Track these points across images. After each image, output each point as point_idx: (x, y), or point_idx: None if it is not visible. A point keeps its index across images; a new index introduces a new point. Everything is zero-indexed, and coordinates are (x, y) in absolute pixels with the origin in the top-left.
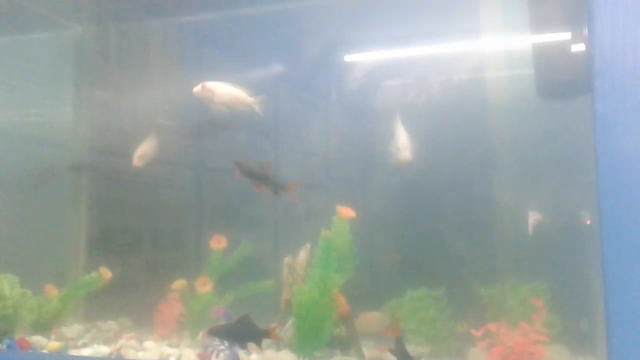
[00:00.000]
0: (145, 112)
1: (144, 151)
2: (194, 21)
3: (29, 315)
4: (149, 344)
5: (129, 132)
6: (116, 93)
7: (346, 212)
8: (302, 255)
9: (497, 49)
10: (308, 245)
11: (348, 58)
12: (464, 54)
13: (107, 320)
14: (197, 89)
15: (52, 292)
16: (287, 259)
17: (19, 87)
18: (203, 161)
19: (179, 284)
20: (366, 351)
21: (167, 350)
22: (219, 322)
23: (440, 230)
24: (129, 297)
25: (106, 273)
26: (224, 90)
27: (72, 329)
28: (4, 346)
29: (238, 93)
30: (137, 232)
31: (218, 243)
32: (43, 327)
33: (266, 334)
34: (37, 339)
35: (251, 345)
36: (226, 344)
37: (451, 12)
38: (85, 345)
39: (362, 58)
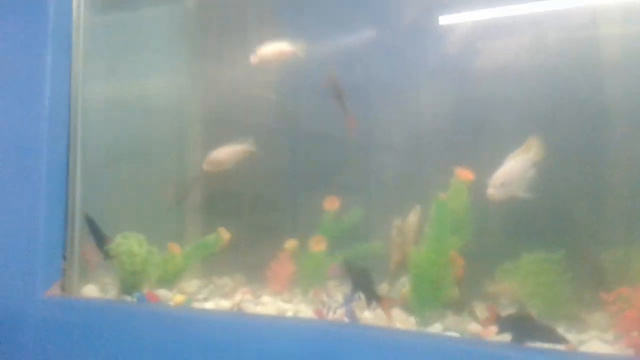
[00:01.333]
0: (248, 83)
1: (215, 157)
2: None
3: (155, 271)
4: (265, 299)
5: (234, 101)
6: (222, 64)
7: (464, 174)
8: (412, 217)
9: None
10: (418, 208)
11: (445, 20)
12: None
13: (222, 276)
14: (252, 58)
15: (175, 250)
16: (396, 222)
17: (134, 61)
18: (299, 128)
19: (291, 243)
20: (480, 313)
21: (283, 305)
22: (334, 280)
23: (557, 190)
24: (241, 256)
25: (225, 234)
26: (268, 50)
27: (191, 284)
28: (135, 299)
29: (279, 46)
30: (240, 196)
31: (332, 204)
32: (167, 282)
33: (378, 299)
34: (162, 293)
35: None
36: (343, 300)
37: None
38: (205, 299)
39: (460, 20)
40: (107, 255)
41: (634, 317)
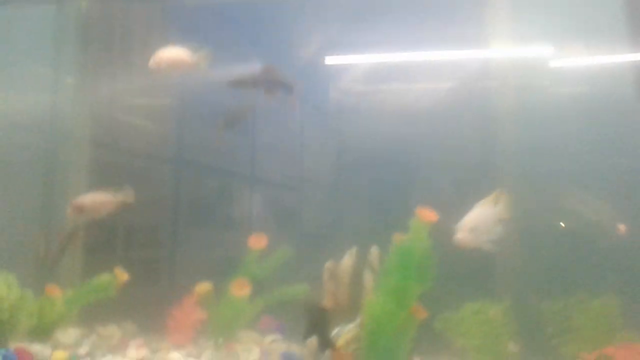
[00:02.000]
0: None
1: (82, 204)
2: (183, 5)
3: (27, 320)
4: (174, 355)
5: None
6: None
7: (427, 214)
8: (347, 260)
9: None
10: (354, 249)
11: (336, 60)
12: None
13: (107, 324)
14: (151, 61)
15: (55, 293)
16: (328, 264)
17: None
18: (181, 156)
19: (204, 287)
20: None
21: None
22: (269, 335)
23: None
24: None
25: (122, 274)
26: (168, 55)
27: (68, 334)
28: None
29: (178, 55)
30: (114, 229)
31: (258, 242)
32: (43, 333)
33: (332, 346)
34: (36, 348)
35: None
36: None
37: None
38: (90, 355)
39: (351, 61)
40: None
41: None
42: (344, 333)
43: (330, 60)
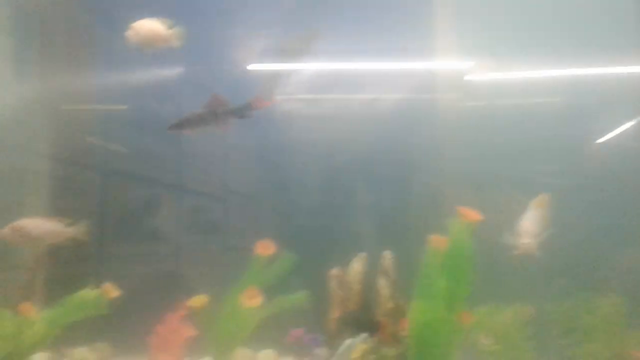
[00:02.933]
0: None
1: (22, 225)
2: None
3: (2, 345)
4: None
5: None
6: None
7: (471, 214)
8: (356, 266)
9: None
10: (363, 255)
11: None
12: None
13: (76, 345)
14: (128, 32)
15: (30, 312)
16: (334, 271)
17: None
18: (109, 164)
19: (199, 300)
20: None
21: None
22: (302, 348)
23: None
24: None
25: (112, 289)
26: (144, 27)
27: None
28: None
29: (156, 27)
30: None
31: (265, 249)
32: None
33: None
34: None
35: None
36: None
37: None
38: None
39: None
40: None
41: None
42: (358, 344)
43: (261, 66)
